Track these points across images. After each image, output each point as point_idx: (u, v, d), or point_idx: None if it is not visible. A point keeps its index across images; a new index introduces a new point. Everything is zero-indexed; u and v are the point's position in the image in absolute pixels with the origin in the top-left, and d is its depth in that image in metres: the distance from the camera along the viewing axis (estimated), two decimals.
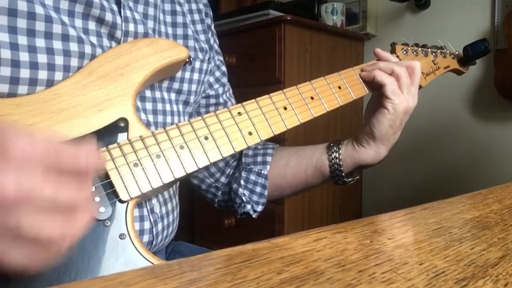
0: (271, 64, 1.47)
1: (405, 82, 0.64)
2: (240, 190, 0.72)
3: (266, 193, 0.73)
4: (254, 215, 0.74)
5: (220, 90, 0.73)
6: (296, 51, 1.50)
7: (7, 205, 0.31)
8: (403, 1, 1.60)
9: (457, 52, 0.82)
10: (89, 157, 0.34)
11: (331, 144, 0.70)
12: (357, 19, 1.77)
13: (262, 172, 0.73)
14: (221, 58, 0.76)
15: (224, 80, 0.75)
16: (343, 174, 0.68)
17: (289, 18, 1.45)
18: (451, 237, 0.31)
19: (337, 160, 0.68)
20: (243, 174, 0.72)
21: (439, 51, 0.79)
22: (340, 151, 0.68)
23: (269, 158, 0.73)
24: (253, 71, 1.53)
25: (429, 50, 0.78)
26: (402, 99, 0.64)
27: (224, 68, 0.75)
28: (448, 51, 0.81)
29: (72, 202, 0.34)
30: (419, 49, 0.77)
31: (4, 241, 0.32)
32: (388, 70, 0.65)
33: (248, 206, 0.72)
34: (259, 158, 0.72)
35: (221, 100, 0.73)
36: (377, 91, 0.67)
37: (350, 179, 0.70)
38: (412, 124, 1.66)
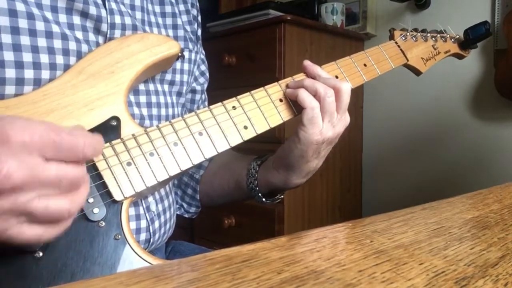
0: (271, 64, 1.47)
1: (328, 108, 0.54)
2: (173, 189, 0.70)
3: (197, 197, 0.71)
4: (186, 215, 0.73)
5: (206, 85, 0.73)
6: (296, 51, 1.50)
7: (16, 189, 0.32)
8: (403, 1, 1.60)
9: (457, 36, 0.80)
10: (86, 139, 0.36)
11: (253, 162, 0.64)
12: (357, 19, 1.77)
13: (194, 175, 0.71)
14: (204, 52, 0.75)
15: (207, 75, 0.74)
16: (260, 195, 0.63)
17: (289, 18, 1.45)
18: (451, 237, 0.31)
19: (253, 179, 0.62)
20: None
21: (439, 35, 0.78)
22: (258, 169, 0.63)
23: (205, 162, 0.71)
24: (253, 71, 1.53)
25: (429, 34, 0.76)
26: (317, 129, 0.54)
27: (206, 63, 0.75)
28: (448, 35, 0.79)
29: (75, 179, 0.36)
30: (419, 34, 0.74)
31: (16, 223, 0.34)
32: (312, 90, 0.55)
33: (180, 206, 0.72)
34: None
35: (203, 97, 0.73)
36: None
37: (269, 200, 0.64)
38: (412, 124, 1.67)
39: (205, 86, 0.73)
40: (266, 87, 0.57)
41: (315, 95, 0.55)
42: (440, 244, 0.29)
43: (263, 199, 0.64)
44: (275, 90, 0.57)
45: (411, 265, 0.24)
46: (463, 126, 1.56)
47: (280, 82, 0.58)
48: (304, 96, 0.54)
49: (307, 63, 0.59)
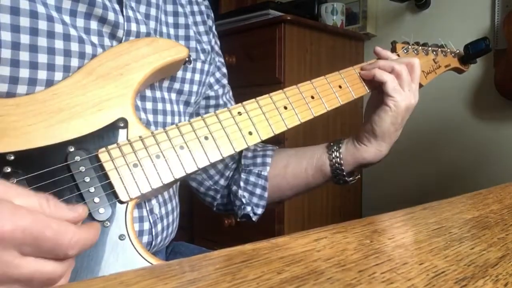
0: (271, 64, 1.47)
1: (405, 79, 0.64)
2: (240, 192, 0.71)
3: (266, 195, 0.72)
4: (254, 218, 0.73)
5: (220, 92, 0.73)
6: (296, 51, 1.50)
7: None
8: (403, 1, 1.60)
9: (457, 51, 0.82)
10: (74, 237, 0.33)
11: (332, 143, 0.70)
12: (357, 19, 1.77)
13: (262, 173, 0.72)
14: (222, 60, 0.75)
15: (224, 81, 0.74)
16: (344, 173, 0.68)
17: (289, 18, 1.45)
18: (451, 237, 0.31)
19: (338, 159, 0.68)
20: (243, 175, 0.72)
21: (439, 49, 0.79)
22: (340, 150, 0.68)
23: (268, 159, 0.72)
24: (253, 71, 1.53)
25: (430, 48, 0.78)
26: (403, 96, 0.64)
27: (224, 70, 0.75)
28: (449, 50, 0.81)
29: (50, 276, 0.33)
30: (420, 47, 0.77)
31: None
32: (388, 68, 0.65)
33: (248, 208, 0.72)
34: (259, 160, 0.72)
35: (220, 102, 0.73)
36: (377, 90, 0.66)
37: (351, 178, 0.70)
38: (412, 124, 1.66)
39: (221, 92, 0.73)
40: (271, 94, 0.58)
41: (392, 71, 0.64)
42: (440, 244, 0.29)
43: (346, 179, 0.69)
44: (280, 97, 0.58)
45: (411, 265, 0.24)
46: (463, 126, 1.56)
47: (284, 90, 0.59)
48: (382, 73, 0.64)
49: (378, 48, 0.71)
